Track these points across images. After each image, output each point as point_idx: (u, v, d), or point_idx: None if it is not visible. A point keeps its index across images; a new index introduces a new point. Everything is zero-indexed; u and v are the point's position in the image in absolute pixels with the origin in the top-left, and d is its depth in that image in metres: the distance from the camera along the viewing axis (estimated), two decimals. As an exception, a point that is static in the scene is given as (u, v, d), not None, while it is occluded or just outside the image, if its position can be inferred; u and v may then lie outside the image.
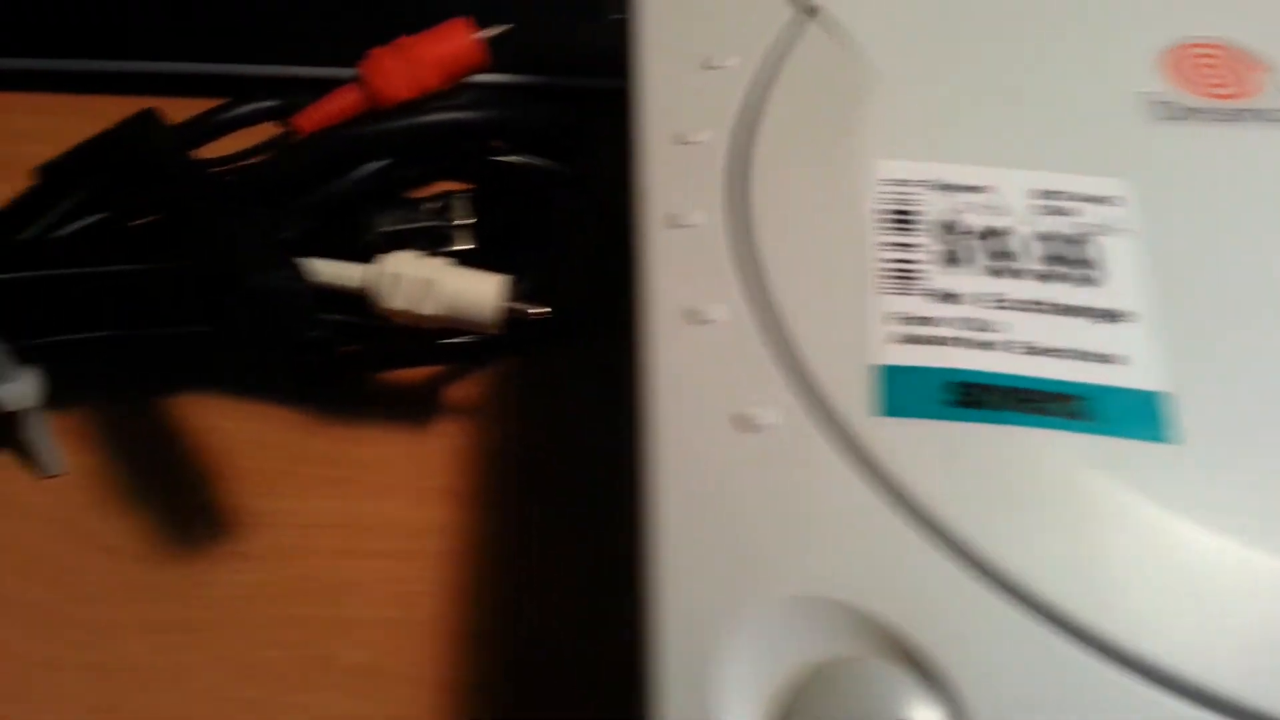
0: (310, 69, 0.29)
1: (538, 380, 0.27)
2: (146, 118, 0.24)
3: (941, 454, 0.15)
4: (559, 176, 0.26)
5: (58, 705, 0.22)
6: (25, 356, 0.24)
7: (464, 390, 0.27)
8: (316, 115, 0.25)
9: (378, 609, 0.24)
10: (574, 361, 0.27)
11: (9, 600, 0.24)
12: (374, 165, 0.24)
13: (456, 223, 0.26)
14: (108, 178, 0.23)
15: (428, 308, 0.23)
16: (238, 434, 0.26)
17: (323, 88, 0.27)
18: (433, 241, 0.27)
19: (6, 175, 0.30)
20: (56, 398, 0.25)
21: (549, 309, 0.24)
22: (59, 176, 0.24)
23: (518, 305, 0.23)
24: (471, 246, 0.27)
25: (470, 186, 0.28)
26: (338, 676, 0.23)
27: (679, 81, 0.21)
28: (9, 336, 0.23)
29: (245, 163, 0.23)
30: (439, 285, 0.23)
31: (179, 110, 0.28)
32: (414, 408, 0.27)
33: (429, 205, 0.26)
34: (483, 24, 0.26)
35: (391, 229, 0.25)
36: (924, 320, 0.17)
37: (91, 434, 0.26)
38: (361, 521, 0.25)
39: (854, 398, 0.16)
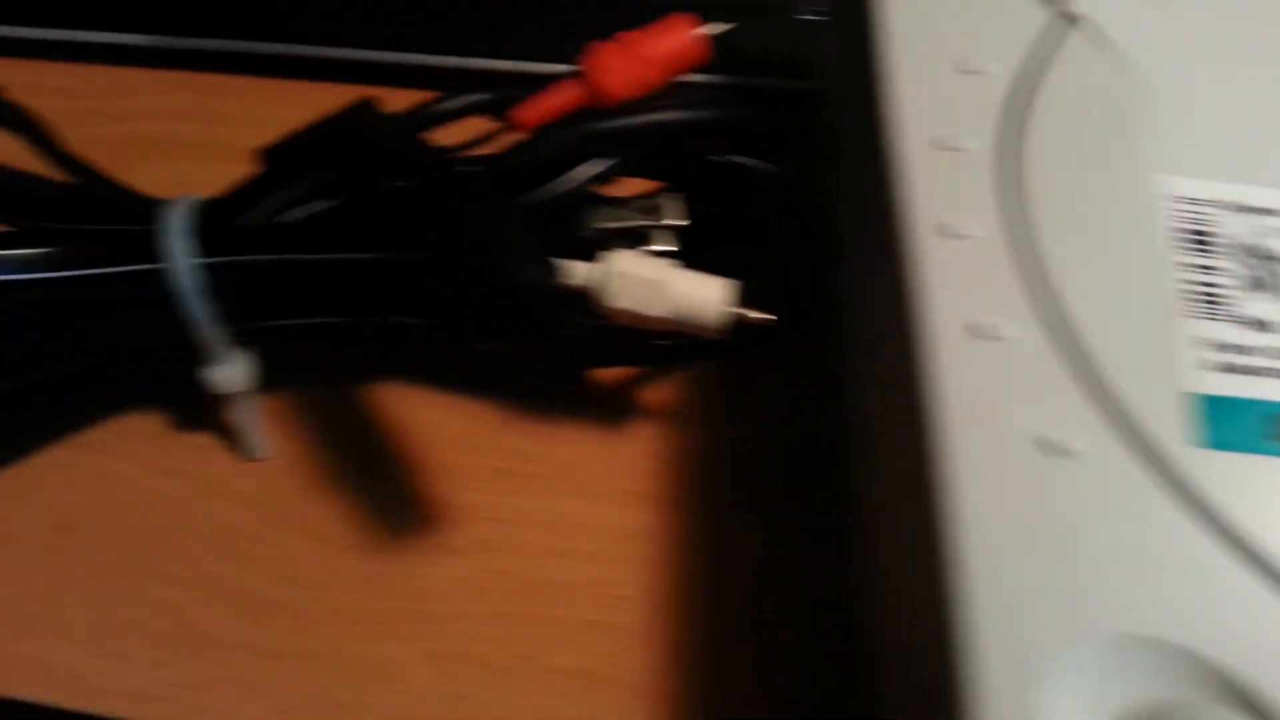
0: (510, 63, 0.29)
1: (732, 382, 0.27)
2: (366, 107, 0.24)
3: (1271, 491, 0.15)
4: (771, 178, 0.26)
5: (274, 693, 0.23)
6: (240, 339, 0.24)
7: (656, 393, 0.27)
8: (536, 110, 0.25)
9: (584, 610, 0.24)
10: (766, 363, 0.27)
11: (221, 583, 0.24)
12: (601, 163, 0.23)
13: (668, 223, 0.25)
14: (333, 165, 0.24)
15: (653, 309, 0.23)
16: (436, 427, 0.26)
17: (521, 82, 0.27)
18: (631, 241, 0.27)
19: (211, 157, 0.31)
20: (262, 382, 0.26)
21: (773, 315, 0.23)
22: (281, 162, 0.24)
23: (743, 310, 0.23)
24: (674, 248, 0.26)
25: (661, 185, 0.27)
26: (549, 677, 0.23)
27: (933, 85, 0.21)
28: (228, 319, 0.23)
29: (465, 154, 0.23)
30: (666, 287, 0.23)
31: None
32: (608, 409, 0.27)
33: (641, 204, 0.25)
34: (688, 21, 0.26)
35: (603, 227, 0.25)
36: (1240, 349, 0.16)
37: (293, 419, 0.26)
38: (563, 521, 0.25)
39: (1169, 426, 0.15)
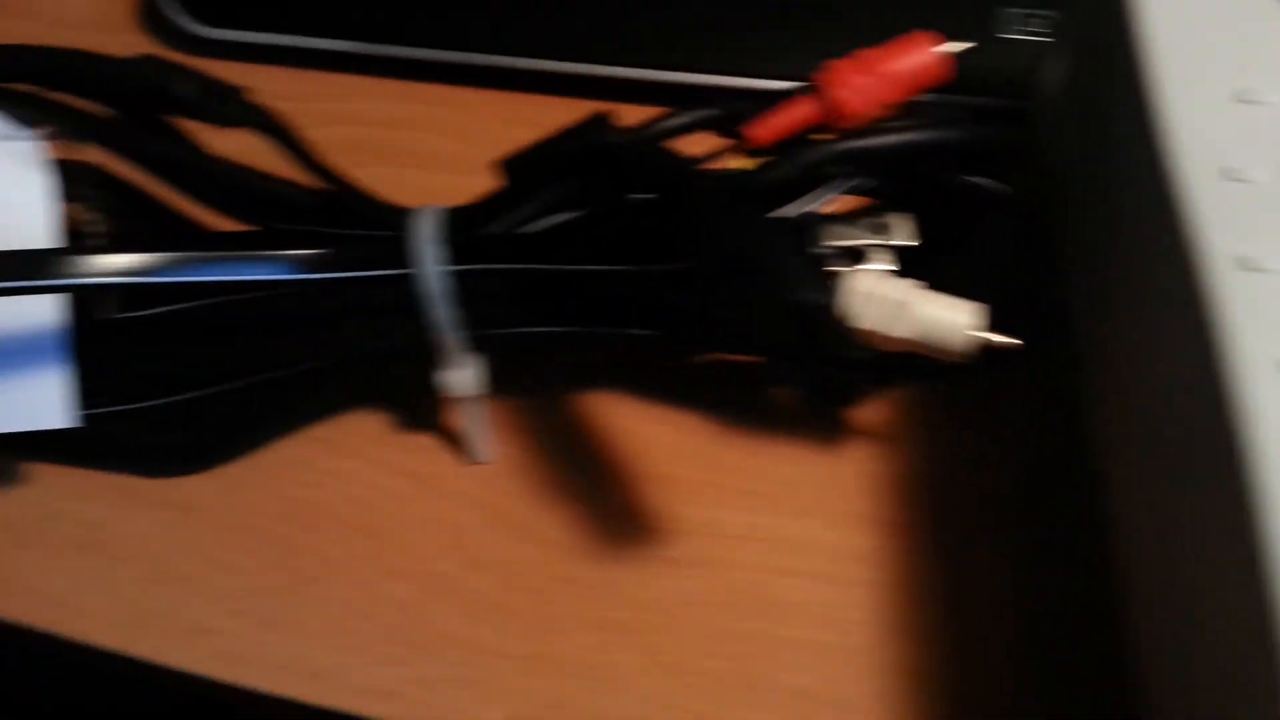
0: (731, 79, 0.30)
1: (948, 401, 0.27)
2: (602, 121, 0.25)
3: None
4: (1000, 199, 0.25)
5: (507, 696, 0.23)
6: (475, 345, 0.24)
7: (871, 410, 0.27)
8: (770, 126, 0.25)
9: (814, 631, 0.24)
10: (985, 388, 0.27)
11: (450, 582, 0.24)
12: (844, 183, 0.23)
13: (897, 243, 0.25)
14: (576, 177, 0.24)
15: (897, 330, 0.23)
16: (654, 439, 0.26)
17: (748, 98, 0.27)
18: (848, 260, 0.26)
19: (413, 163, 0.31)
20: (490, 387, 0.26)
21: (1020, 341, 0.23)
22: (521, 174, 0.25)
23: (989, 335, 0.23)
24: (894, 267, 0.26)
25: (870, 202, 0.27)
26: (781, 697, 0.23)
27: (1211, 116, 0.20)
28: (467, 325, 0.24)
29: (706, 169, 0.24)
30: (912, 308, 0.22)
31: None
32: (823, 426, 0.27)
33: (870, 222, 0.25)
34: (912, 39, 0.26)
35: (833, 245, 0.25)
36: None
37: (513, 424, 0.27)
38: (786, 540, 0.25)
39: None
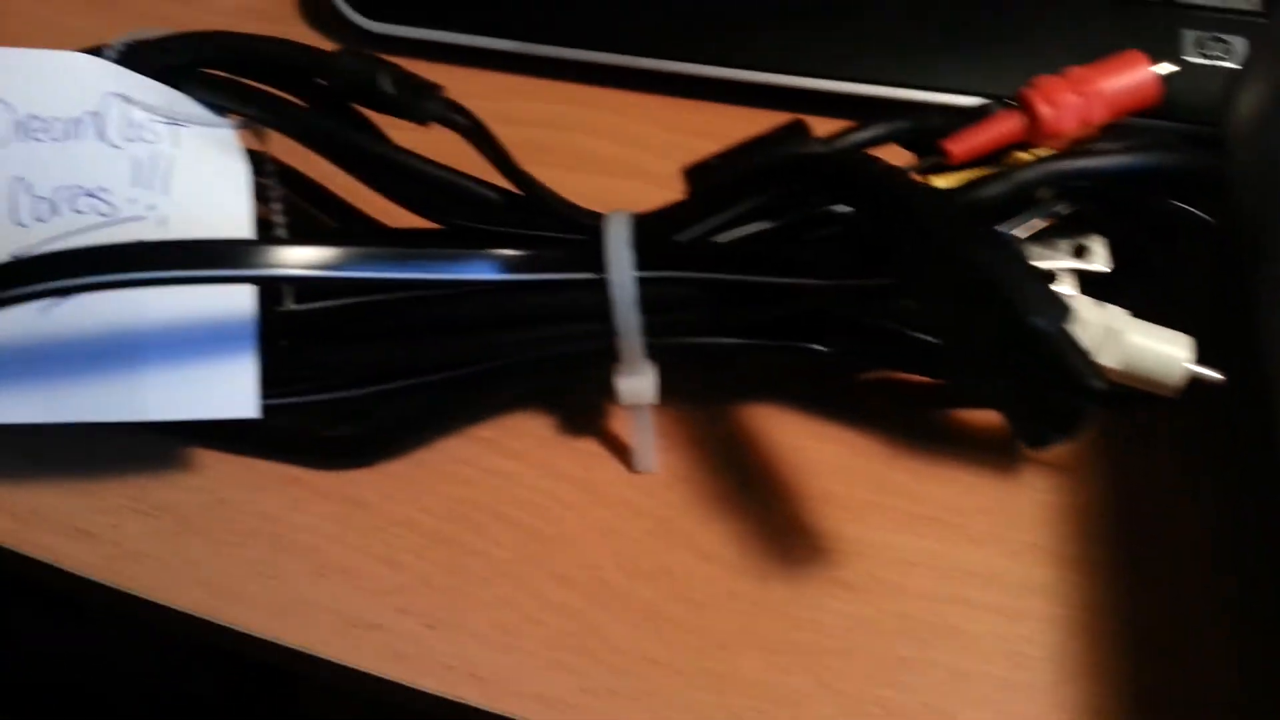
0: (913, 92, 0.29)
1: (1136, 434, 0.26)
2: (798, 129, 0.24)
3: None
4: (1200, 226, 0.24)
5: (678, 712, 0.22)
6: (654, 353, 0.24)
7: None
8: (970, 142, 0.24)
9: (991, 665, 0.23)
10: (1171, 418, 0.26)
11: (616, 591, 0.24)
12: (1055, 205, 0.23)
13: (1093, 267, 0.24)
14: (770, 186, 0.23)
15: (1105, 359, 0.22)
16: (820, 456, 0.26)
17: (938, 112, 0.26)
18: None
19: (576, 166, 0.31)
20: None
21: (1223, 375, 0.22)
22: (710, 181, 0.24)
23: (1200, 369, 0.22)
24: (1074, 292, 0.25)
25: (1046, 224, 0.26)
26: (962, 732, 0.22)
27: None
28: (651, 333, 0.24)
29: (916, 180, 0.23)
30: (1124, 337, 0.22)
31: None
32: (996, 452, 0.26)
33: (1068, 245, 0.24)
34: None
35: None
36: None
37: (678, 435, 0.26)
38: (961, 568, 0.24)
39: None
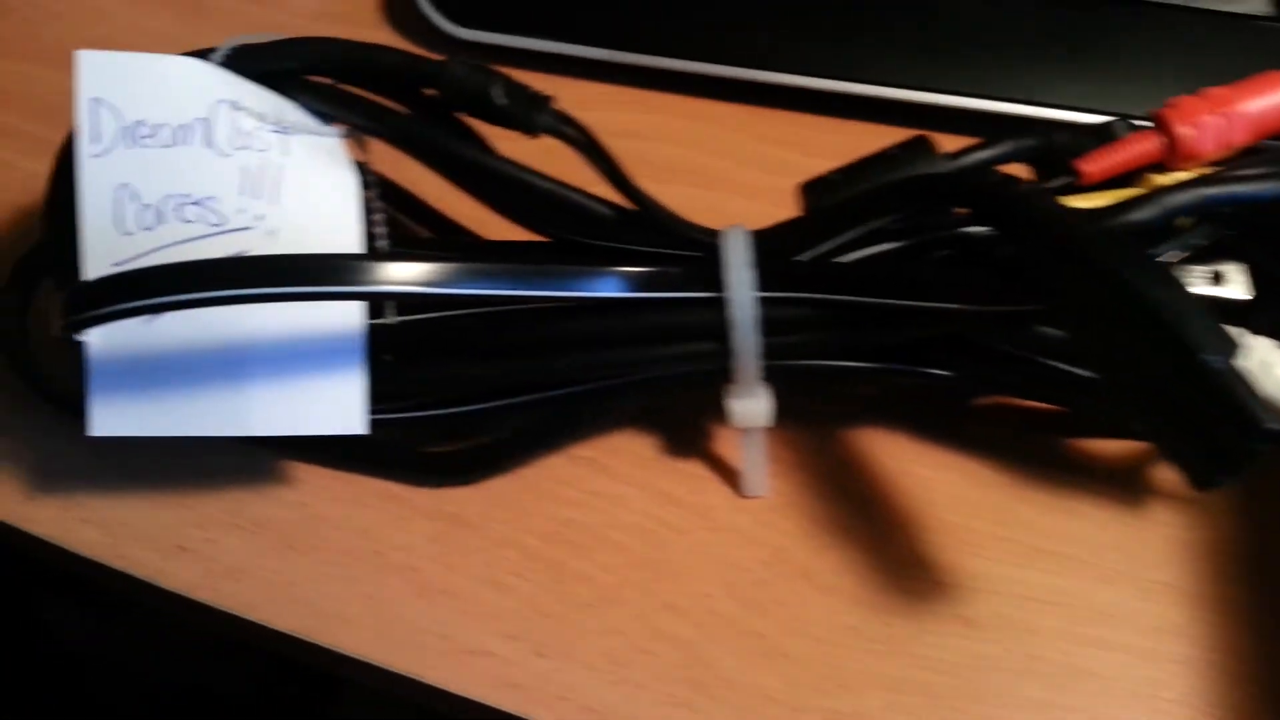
0: (1037, 109, 0.28)
1: (1264, 467, 0.25)
2: (925, 147, 0.23)
3: None
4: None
5: (800, 750, 0.22)
6: (770, 375, 0.23)
7: (1174, 474, 0.25)
8: (1106, 162, 0.23)
9: (1123, 709, 0.22)
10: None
11: (729, 623, 0.23)
12: (1206, 231, 0.22)
13: (1232, 295, 0.23)
14: (896, 205, 0.23)
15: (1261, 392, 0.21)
16: (936, 484, 0.25)
17: (1063, 130, 0.25)
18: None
19: (650, 174, 0.29)
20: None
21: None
22: (829, 198, 0.24)
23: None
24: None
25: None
26: (1099, 781, 0.21)
27: None
28: (768, 355, 0.23)
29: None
30: (1275, 370, 0.21)
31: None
32: (1122, 484, 0.25)
33: (1203, 272, 0.23)
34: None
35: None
36: None
37: (789, 459, 0.25)
38: (1091, 607, 0.23)
39: None
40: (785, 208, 0.24)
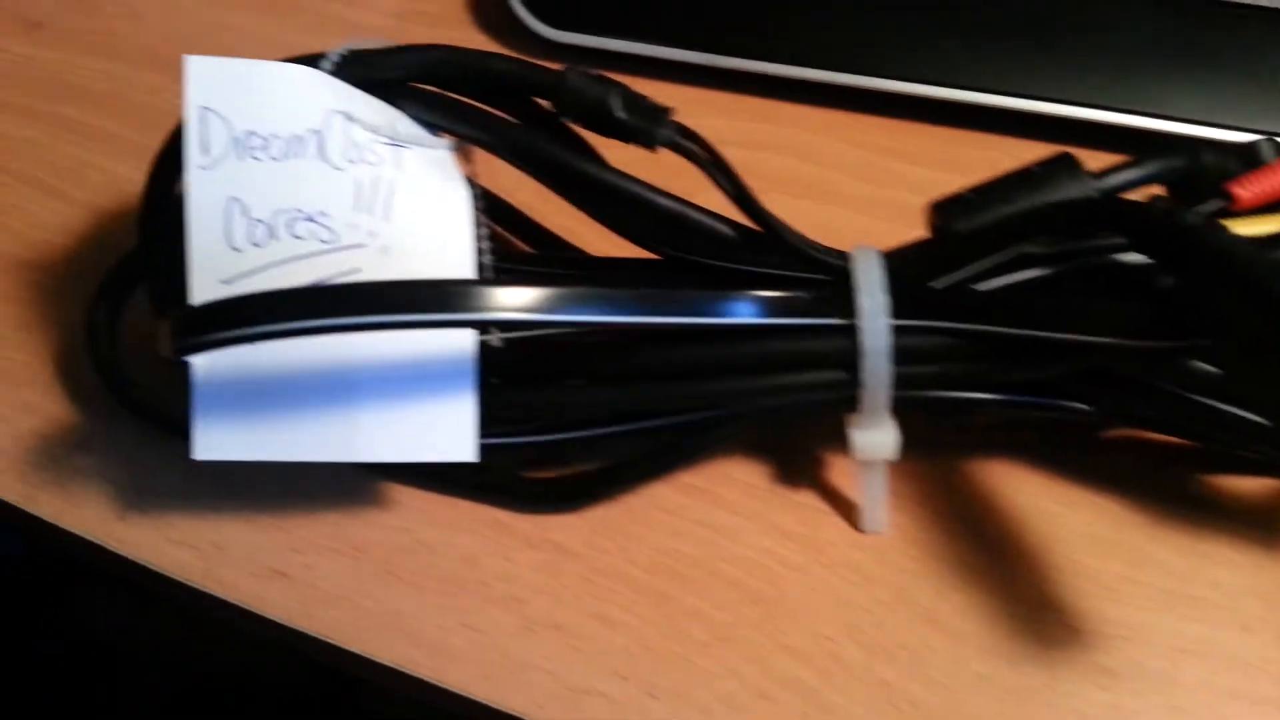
0: (1176, 125, 0.27)
1: None
2: (1072, 166, 0.22)
3: None
4: None
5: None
6: (898, 406, 0.22)
7: (1315, 515, 0.24)
8: (1263, 187, 0.22)
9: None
10: None
11: (850, 667, 0.22)
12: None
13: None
14: (1040, 228, 0.21)
15: None
16: (1067, 522, 0.23)
17: (1210, 149, 0.24)
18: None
19: (759, 185, 0.27)
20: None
21: None
22: (963, 221, 0.22)
23: None
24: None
25: None
26: None
27: None
28: (899, 384, 0.22)
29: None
30: None
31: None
32: (1263, 526, 0.23)
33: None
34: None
35: None
36: None
37: (909, 494, 0.24)
38: (1230, 655, 0.22)
39: None
40: (901, 223, 0.23)
